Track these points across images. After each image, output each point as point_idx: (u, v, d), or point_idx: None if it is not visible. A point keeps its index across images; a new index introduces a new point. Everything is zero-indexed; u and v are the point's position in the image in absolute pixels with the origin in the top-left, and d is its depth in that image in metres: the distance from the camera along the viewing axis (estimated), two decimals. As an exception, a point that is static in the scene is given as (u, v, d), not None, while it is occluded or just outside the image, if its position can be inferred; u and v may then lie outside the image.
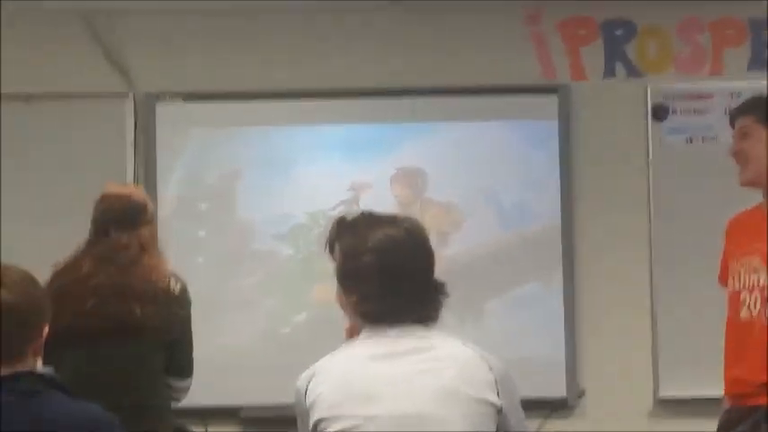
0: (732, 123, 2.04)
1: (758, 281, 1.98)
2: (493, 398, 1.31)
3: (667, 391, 2.78)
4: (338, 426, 1.28)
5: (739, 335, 2.01)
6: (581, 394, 2.79)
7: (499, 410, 1.31)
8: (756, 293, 1.98)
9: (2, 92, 2.66)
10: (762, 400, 1.90)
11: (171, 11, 2.82)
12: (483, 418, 1.29)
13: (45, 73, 2.77)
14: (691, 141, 2.88)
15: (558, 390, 2.74)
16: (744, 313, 2.00)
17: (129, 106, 2.81)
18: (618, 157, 2.86)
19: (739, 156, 2.00)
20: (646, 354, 2.80)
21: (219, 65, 2.84)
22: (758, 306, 1.96)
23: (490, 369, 1.33)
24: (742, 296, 2.01)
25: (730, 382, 1.98)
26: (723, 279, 2.08)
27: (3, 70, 2.66)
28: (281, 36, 2.85)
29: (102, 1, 2.71)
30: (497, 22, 2.87)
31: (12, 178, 2.70)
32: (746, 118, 2.01)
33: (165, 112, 2.82)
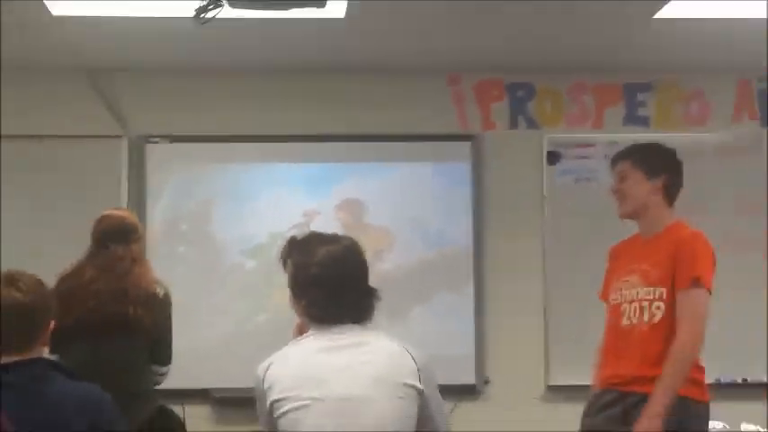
0: (612, 167, 2.21)
1: (637, 295, 2.14)
2: (416, 383, 1.42)
3: (556, 380, 3.23)
4: (290, 405, 1.38)
5: (620, 339, 2.18)
6: (486, 381, 3.23)
7: (420, 393, 1.42)
8: (636, 305, 2.14)
9: (18, 133, 3.09)
10: (636, 388, 2.08)
11: (159, 69, 3.24)
12: (408, 400, 1.41)
13: (55, 117, 3.19)
14: (577, 181, 3.33)
15: (467, 378, 3.17)
16: (624, 321, 2.15)
17: (123, 146, 3.21)
18: (519, 193, 3.33)
19: (619, 193, 2.16)
20: (539, 349, 3.25)
21: (199, 113, 3.24)
22: (637, 315, 2.13)
23: (413, 360, 1.44)
24: (623, 308, 2.16)
25: (607, 377, 2.15)
26: (604, 295, 2.25)
27: (20, 115, 3.09)
28: (248, 91, 3.27)
29: (102, 59, 3.14)
30: (425, 83, 3.32)
31: (25, 205, 3.13)
32: (625, 163, 2.17)
33: (154, 151, 3.22)
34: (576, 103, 3.39)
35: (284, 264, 1.51)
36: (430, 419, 1.45)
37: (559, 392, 3.20)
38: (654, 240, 2.16)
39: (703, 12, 2.75)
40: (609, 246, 2.27)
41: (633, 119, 3.40)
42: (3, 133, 3.03)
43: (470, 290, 3.26)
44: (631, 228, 2.18)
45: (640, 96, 3.40)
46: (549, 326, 3.26)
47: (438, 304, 3.23)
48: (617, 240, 2.27)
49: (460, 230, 3.30)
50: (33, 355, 1.47)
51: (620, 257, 2.26)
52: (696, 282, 2.02)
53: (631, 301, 2.16)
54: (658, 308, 2.11)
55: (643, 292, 2.14)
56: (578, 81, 3.38)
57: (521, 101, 3.38)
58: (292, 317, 1.50)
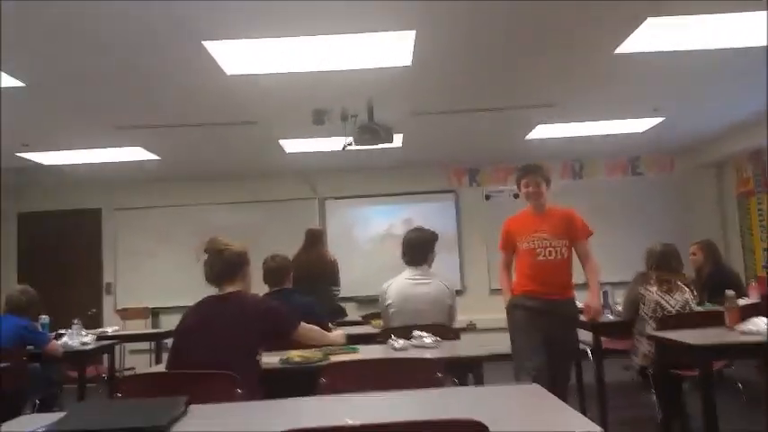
0: (528, 176, 3.58)
1: (550, 243, 3.46)
2: (448, 301, 3.36)
3: (493, 286, 7.77)
4: (393, 308, 3.36)
5: (535, 268, 3.50)
6: (464, 288, 8.04)
7: (450, 306, 3.34)
8: (550, 249, 3.47)
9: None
10: (568, 295, 3.56)
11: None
12: (446, 310, 3.35)
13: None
14: (493, 204, 8.03)
15: (460, 287, 7.96)
16: (540, 258, 3.48)
17: (315, 203, 8.16)
18: (473, 212, 7.97)
19: (536, 194, 3.54)
20: (485, 274, 7.85)
21: (345, 185, 8.18)
22: (552, 254, 3.47)
23: (448, 290, 3.38)
24: (537, 251, 3.48)
25: (535, 291, 3.51)
26: (504, 247, 3.69)
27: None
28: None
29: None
30: (435, 170, 8.09)
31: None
32: (537, 175, 3.56)
33: (330, 205, 8.19)
34: (494, 173, 8.15)
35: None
36: (452, 316, 3.36)
37: (495, 292, 7.79)
38: (547, 214, 3.57)
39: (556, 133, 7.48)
40: (503, 222, 3.81)
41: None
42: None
43: (456, 253, 7.96)
44: (509, 212, 3.86)
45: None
46: (489, 265, 7.95)
47: (443, 260, 7.90)
48: (504, 219, 3.84)
49: (451, 228, 8.02)
50: (237, 288, 2.63)
51: (518, 224, 3.62)
52: (588, 236, 3.59)
53: (545, 247, 3.45)
54: (565, 249, 3.50)
55: (555, 242, 3.48)
56: (496, 165, 8.13)
57: (473, 174, 8.16)
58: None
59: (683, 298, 4.23)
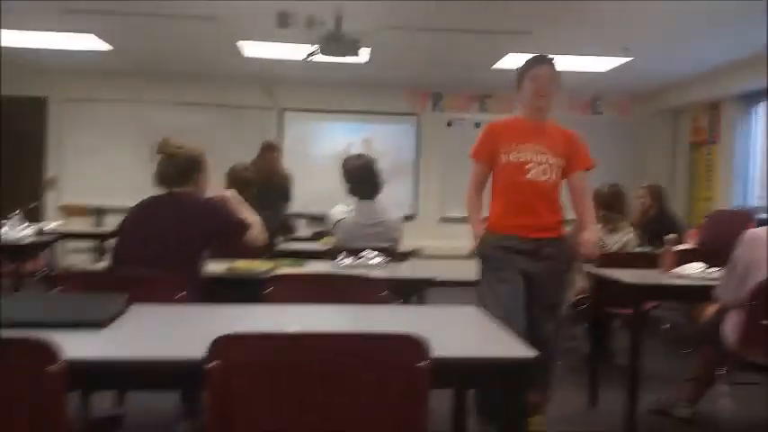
0: (540, 67, 2.71)
1: (547, 159, 2.66)
2: (397, 235, 3.60)
3: (444, 214, 7.90)
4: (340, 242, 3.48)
5: (524, 191, 2.64)
6: (416, 214, 8.16)
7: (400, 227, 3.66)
8: (545, 166, 2.64)
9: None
10: (559, 232, 2.76)
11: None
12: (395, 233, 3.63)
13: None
14: (455, 129, 8.00)
15: (411, 212, 8.08)
16: (530, 176, 2.64)
17: (274, 113, 7.97)
18: (435, 136, 7.94)
19: (546, 92, 2.73)
20: (438, 201, 7.96)
21: (303, 96, 8.02)
22: (547, 174, 2.65)
23: (399, 226, 3.62)
24: (528, 166, 2.63)
25: (520, 226, 2.66)
26: (480, 155, 2.77)
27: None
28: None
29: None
30: (401, 91, 7.93)
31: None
32: (552, 67, 2.74)
33: (289, 117, 8.01)
34: (458, 100, 8.08)
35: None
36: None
37: (446, 220, 7.90)
38: (547, 126, 2.75)
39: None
40: (484, 126, 2.88)
41: (483, 108, 8.09)
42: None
43: (412, 178, 7.98)
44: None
45: (487, 102, 8.10)
46: (444, 193, 8.01)
47: (398, 184, 7.90)
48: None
49: (410, 152, 8.00)
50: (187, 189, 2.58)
51: (507, 129, 2.76)
52: (589, 167, 2.84)
53: (540, 163, 2.63)
54: (559, 172, 2.70)
55: (553, 159, 2.68)
56: (461, 92, 8.04)
57: (437, 98, 8.06)
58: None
59: (624, 239, 4.39)
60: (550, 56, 2.81)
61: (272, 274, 2.58)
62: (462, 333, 1.80)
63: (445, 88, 7.98)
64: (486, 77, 7.05)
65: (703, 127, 7.63)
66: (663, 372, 3.95)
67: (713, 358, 2.69)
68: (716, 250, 3.85)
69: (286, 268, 2.86)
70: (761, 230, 2.45)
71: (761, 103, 6.87)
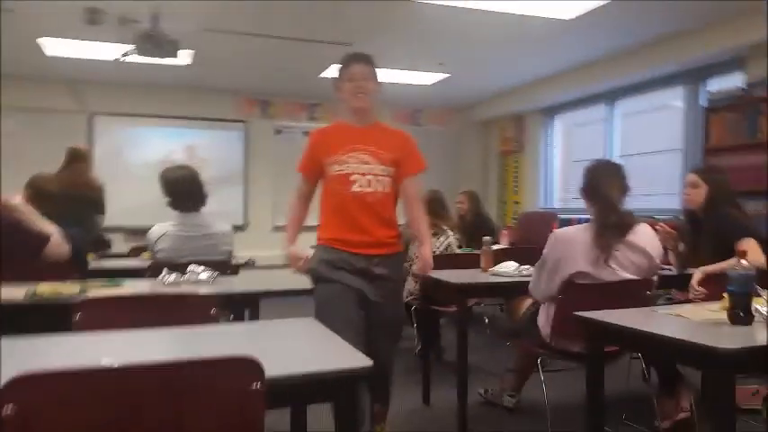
0: (356, 64, 2.53)
1: (371, 170, 2.46)
2: (230, 248, 3.40)
3: (282, 222, 7.95)
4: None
5: (349, 206, 2.45)
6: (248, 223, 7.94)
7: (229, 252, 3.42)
8: (370, 177, 2.46)
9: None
10: (394, 249, 2.57)
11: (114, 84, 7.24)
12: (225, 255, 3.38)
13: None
14: (284, 139, 8.06)
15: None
16: (355, 188, 2.45)
17: (84, 118, 7.21)
18: (263, 145, 7.85)
19: (366, 90, 2.48)
20: (269, 209, 7.94)
21: (123, 100, 7.39)
22: (372, 185, 2.46)
23: (229, 237, 3.40)
24: (353, 177, 2.45)
25: (349, 242, 2.46)
26: (305, 168, 2.59)
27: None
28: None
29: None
30: (226, 99, 7.75)
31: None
32: (369, 64, 2.54)
33: (99, 122, 7.31)
34: (287, 108, 8.00)
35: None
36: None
37: (278, 229, 7.81)
38: (375, 127, 2.55)
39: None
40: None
41: (312, 116, 8.10)
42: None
43: (241, 187, 7.74)
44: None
45: (316, 110, 8.13)
46: (274, 202, 7.88)
47: (226, 193, 7.64)
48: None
49: (238, 160, 7.76)
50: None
51: (331, 136, 2.55)
52: (421, 170, 2.61)
53: (365, 174, 2.44)
54: (390, 181, 2.51)
55: (379, 168, 2.48)
56: (288, 99, 7.97)
57: (265, 106, 7.90)
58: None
59: (447, 241, 4.63)
60: (366, 53, 2.60)
61: (84, 297, 2.31)
62: (297, 348, 1.74)
63: (273, 95, 7.86)
64: (314, 86, 7.06)
65: (510, 137, 8.37)
66: (488, 364, 4.21)
67: (531, 349, 2.89)
68: (526, 248, 4.24)
69: (100, 289, 2.58)
70: (567, 230, 2.70)
71: (557, 116, 7.72)
